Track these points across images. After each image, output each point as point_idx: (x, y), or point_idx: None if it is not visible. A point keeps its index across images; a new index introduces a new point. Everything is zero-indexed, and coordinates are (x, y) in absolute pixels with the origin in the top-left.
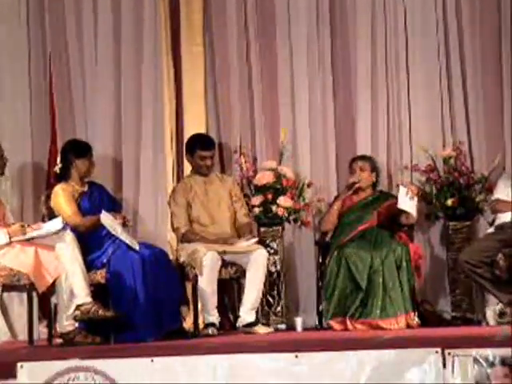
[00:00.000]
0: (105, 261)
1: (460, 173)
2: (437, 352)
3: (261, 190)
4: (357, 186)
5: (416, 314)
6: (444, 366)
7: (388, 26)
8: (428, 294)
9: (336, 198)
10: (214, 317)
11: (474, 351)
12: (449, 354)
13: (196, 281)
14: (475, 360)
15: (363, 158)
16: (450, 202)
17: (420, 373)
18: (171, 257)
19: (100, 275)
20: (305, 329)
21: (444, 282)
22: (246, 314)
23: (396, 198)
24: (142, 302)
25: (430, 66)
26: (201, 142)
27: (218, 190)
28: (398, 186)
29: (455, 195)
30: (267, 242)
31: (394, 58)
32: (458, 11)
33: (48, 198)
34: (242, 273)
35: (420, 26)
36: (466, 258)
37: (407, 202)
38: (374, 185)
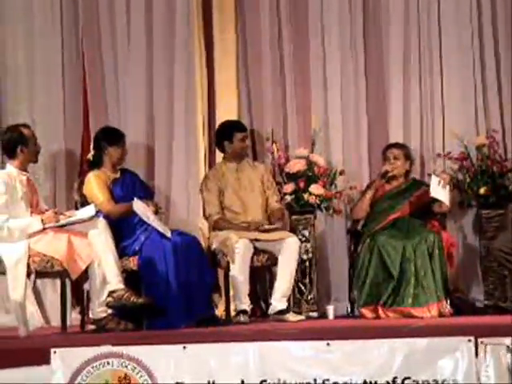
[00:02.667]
0: (137, 248)
1: (493, 161)
2: (469, 341)
3: (292, 177)
4: (390, 174)
5: (448, 302)
6: (476, 354)
7: (421, 12)
8: (460, 282)
9: (368, 186)
10: (246, 304)
11: (506, 340)
12: (481, 342)
13: (228, 268)
14: (508, 349)
15: (397, 145)
16: (482, 190)
17: (452, 361)
18: (203, 244)
19: (132, 262)
20: (336, 317)
21: (476, 270)
22: (278, 302)
23: (428, 186)
24: (174, 289)
25: (463, 54)
26: (236, 124)
27: (250, 177)
28: (429, 175)
29: (488, 183)
30: (299, 229)
31: (427, 45)
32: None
33: (81, 185)
34: (273, 260)
35: (454, 12)
36: (500, 246)
37: (440, 191)
38: (407, 173)
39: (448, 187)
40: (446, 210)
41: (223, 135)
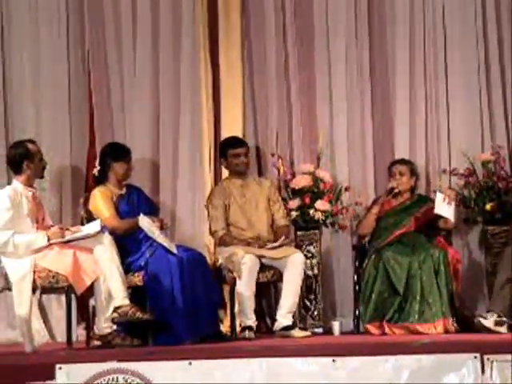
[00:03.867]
0: (142, 263)
1: (499, 177)
2: (475, 357)
3: (298, 193)
4: (396, 190)
5: (454, 318)
6: (482, 371)
7: (426, 32)
8: (466, 298)
9: (374, 202)
10: (252, 320)
11: None
12: (487, 359)
13: (234, 284)
14: None
15: (403, 161)
16: (488, 206)
17: (458, 378)
18: (209, 260)
19: (138, 278)
20: (342, 333)
21: (482, 286)
22: (283, 318)
23: (434, 202)
24: (180, 305)
25: (468, 70)
26: (230, 141)
27: (256, 193)
28: (435, 191)
29: (494, 199)
30: (304, 245)
31: (432, 61)
32: (497, 14)
33: (86, 200)
34: (279, 276)
35: (459, 31)
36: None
37: (444, 208)
38: (412, 189)
39: (453, 204)
40: (450, 226)
41: (220, 153)
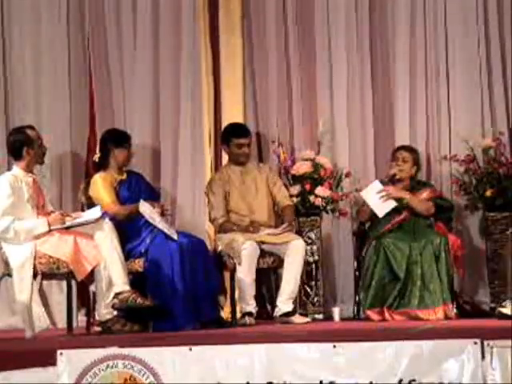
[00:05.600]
0: (143, 250)
1: (499, 163)
2: (475, 343)
3: (298, 179)
4: (397, 177)
5: (454, 304)
6: (483, 357)
7: (428, 14)
8: (467, 284)
9: None
10: (252, 306)
11: None
12: (487, 345)
13: (234, 270)
14: None
15: (408, 148)
16: (489, 192)
17: (458, 364)
18: (209, 246)
19: (138, 264)
20: (342, 319)
21: (483, 273)
22: (284, 304)
23: (432, 186)
24: (180, 291)
25: (469, 55)
26: (235, 130)
27: (256, 179)
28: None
29: (494, 186)
30: (305, 231)
31: (433, 47)
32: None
33: (87, 186)
34: (279, 263)
35: (460, 13)
36: None
37: (374, 197)
38: (412, 178)
39: (390, 201)
40: (427, 215)
41: (222, 139)
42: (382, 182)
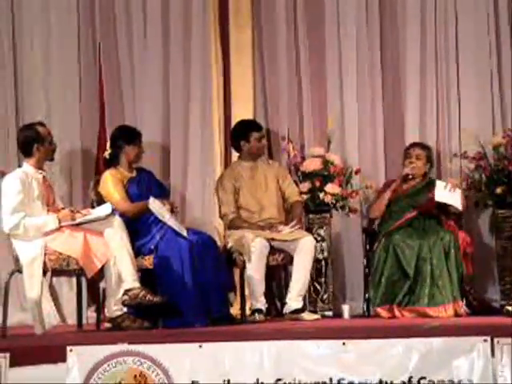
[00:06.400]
0: (152, 247)
1: (510, 160)
2: (485, 340)
3: (308, 176)
4: (410, 176)
5: (464, 302)
6: (493, 354)
7: (438, 11)
8: (477, 282)
9: (386, 186)
10: (262, 303)
11: None
12: (498, 342)
13: (244, 267)
14: None
15: (422, 146)
16: (499, 189)
17: (468, 361)
18: (219, 243)
19: (148, 261)
20: (352, 316)
21: (493, 270)
22: (293, 301)
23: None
24: (190, 288)
25: (480, 53)
26: (253, 124)
27: (266, 176)
28: (434, 180)
29: (505, 183)
30: (314, 229)
31: (443, 44)
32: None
33: (97, 183)
34: (289, 260)
35: (470, 11)
36: None
37: (446, 195)
38: (425, 175)
39: (458, 190)
40: (462, 210)
41: (240, 134)
42: (392, 181)
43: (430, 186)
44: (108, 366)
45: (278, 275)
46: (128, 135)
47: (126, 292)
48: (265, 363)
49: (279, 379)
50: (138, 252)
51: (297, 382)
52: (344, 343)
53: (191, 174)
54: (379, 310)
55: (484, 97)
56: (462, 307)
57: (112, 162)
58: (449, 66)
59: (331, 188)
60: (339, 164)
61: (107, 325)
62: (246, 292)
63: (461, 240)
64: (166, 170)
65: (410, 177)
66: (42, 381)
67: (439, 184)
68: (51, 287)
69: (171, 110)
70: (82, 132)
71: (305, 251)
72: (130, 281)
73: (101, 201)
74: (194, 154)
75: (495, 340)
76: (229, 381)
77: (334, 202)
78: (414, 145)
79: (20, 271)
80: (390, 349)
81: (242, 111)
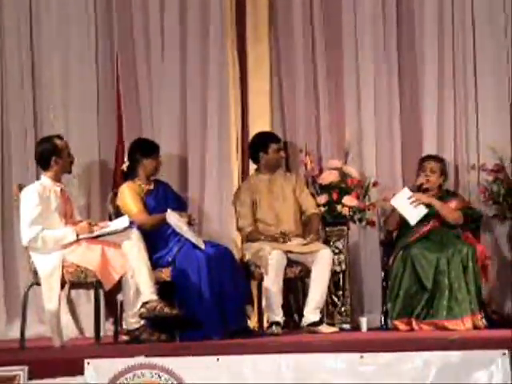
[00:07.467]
0: (170, 259)
1: None
2: (504, 354)
3: (326, 189)
4: (424, 186)
5: (483, 315)
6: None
7: (455, 29)
8: (495, 294)
9: None
10: (279, 316)
11: None
12: None
13: (261, 279)
14: None
15: (437, 159)
16: None
17: (487, 375)
18: (236, 256)
19: (165, 273)
20: (370, 329)
21: (511, 282)
22: (311, 314)
23: (458, 196)
24: (208, 300)
25: (498, 65)
26: (271, 135)
27: (283, 188)
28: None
29: None
30: (332, 241)
31: (461, 57)
32: None
33: (115, 196)
34: (306, 272)
35: (488, 29)
36: None
37: (404, 204)
38: (440, 187)
39: (422, 207)
40: (454, 223)
41: (258, 146)
42: (410, 190)
43: (444, 198)
44: (125, 378)
45: (295, 288)
46: (146, 148)
47: (144, 304)
48: (283, 376)
49: None
50: (155, 264)
51: None
52: (362, 356)
53: (209, 187)
54: (397, 322)
55: (502, 109)
56: (481, 320)
57: (130, 175)
58: (466, 78)
59: (349, 200)
60: (357, 176)
61: (125, 337)
62: (264, 304)
63: (479, 253)
64: (184, 183)
65: (425, 187)
66: None
67: (404, 192)
68: (69, 300)
69: (188, 123)
70: (99, 145)
71: (322, 264)
72: (148, 293)
73: (118, 213)
74: (211, 166)
75: None
76: None
77: (351, 214)
78: (427, 157)
79: (38, 284)
80: (408, 362)
81: (260, 124)
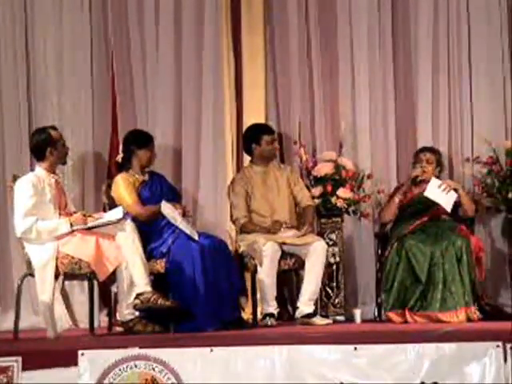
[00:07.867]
0: (165, 250)
1: None
2: (498, 346)
3: (320, 181)
4: (420, 178)
5: (476, 307)
6: (505, 360)
7: (450, 19)
8: (489, 287)
9: (397, 189)
10: (273, 307)
11: None
12: (510, 348)
13: (255, 271)
14: None
15: (432, 150)
16: (511, 194)
17: (480, 367)
18: (231, 247)
19: (160, 265)
20: (363, 321)
21: (505, 275)
22: (305, 305)
23: (456, 190)
24: (202, 292)
25: (492, 55)
26: (264, 127)
27: (277, 180)
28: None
29: None
30: (326, 233)
31: (456, 48)
32: None
33: (109, 187)
34: (300, 264)
35: (483, 13)
36: None
37: (437, 193)
38: (437, 177)
39: (452, 192)
40: (469, 214)
41: (251, 138)
42: (402, 185)
43: None
44: (119, 370)
45: (289, 279)
46: (140, 139)
47: (138, 296)
48: (276, 368)
49: None
50: (150, 256)
51: None
52: (355, 348)
53: (203, 178)
54: (391, 314)
55: (496, 101)
56: (475, 312)
57: (124, 166)
58: (461, 71)
59: (343, 192)
60: (351, 168)
61: (119, 329)
62: (258, 296)
63: (473, 245)
64: (178, 174)
65: (419, 180)
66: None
67: (434, 181)
68: (63, 291)
69: (183, 114)
70: (94, 136)
71: (316, 255)
72: (142, 285)
73: (113, 204)
74: (206, 157)
75: (508, 345)
76: None
77: (345, 206)
78: (423, 149)
79: (32, 275)
80: (402, 354)
81: (254, 115)
